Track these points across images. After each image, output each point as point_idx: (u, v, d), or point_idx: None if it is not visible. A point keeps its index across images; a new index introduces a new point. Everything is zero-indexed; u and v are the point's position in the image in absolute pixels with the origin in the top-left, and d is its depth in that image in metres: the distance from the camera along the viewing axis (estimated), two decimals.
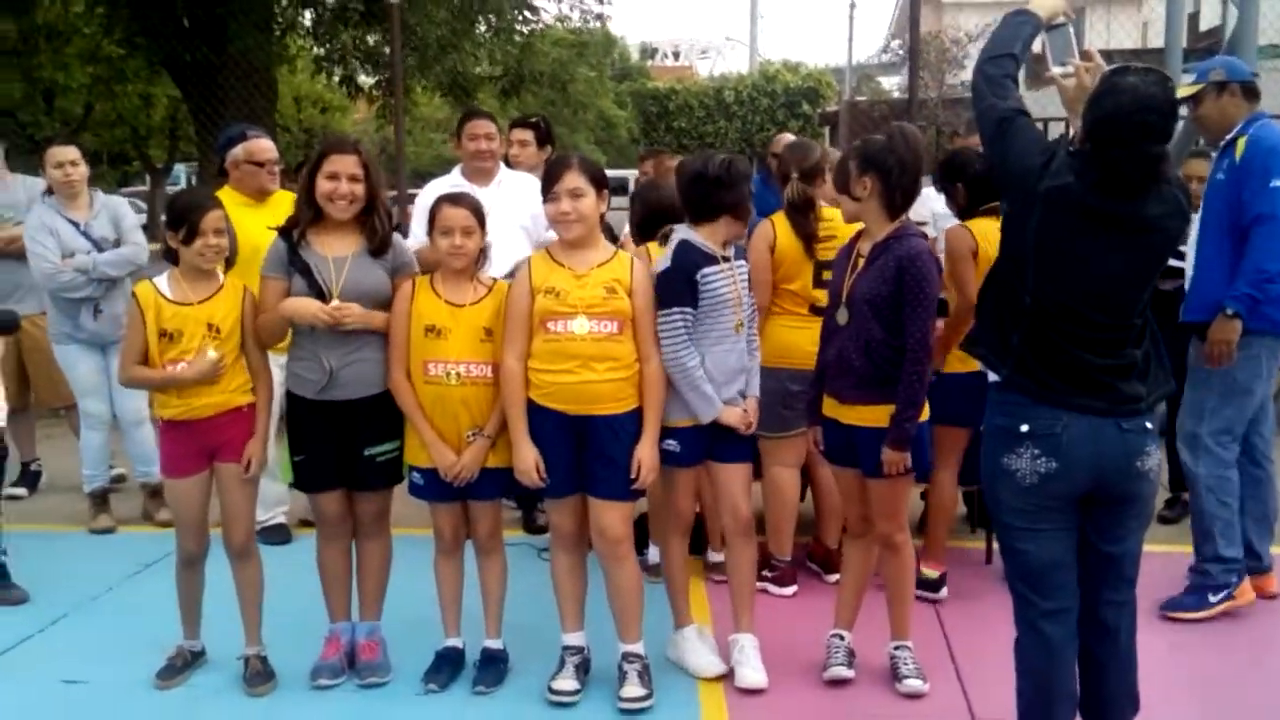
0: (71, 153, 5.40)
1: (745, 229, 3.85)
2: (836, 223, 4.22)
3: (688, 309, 3.57)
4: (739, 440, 3.75)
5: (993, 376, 2.99)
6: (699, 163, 3.73)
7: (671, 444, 3.70)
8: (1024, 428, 2.82)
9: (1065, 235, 2.75)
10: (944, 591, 4.55)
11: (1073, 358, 2.80)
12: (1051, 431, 2.80)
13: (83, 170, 5.42)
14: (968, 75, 20.26)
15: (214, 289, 3.70)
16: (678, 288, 3.58)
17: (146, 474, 5.60)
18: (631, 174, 23.16)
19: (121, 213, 5.60)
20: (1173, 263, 5.22)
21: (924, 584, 4.34)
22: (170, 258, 3.69)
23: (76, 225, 5.37)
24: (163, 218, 3.76)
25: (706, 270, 3.60)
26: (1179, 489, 5.69)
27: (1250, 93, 4.38)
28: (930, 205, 5.50)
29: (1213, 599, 4.39)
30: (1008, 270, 2.90)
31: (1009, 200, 2.94)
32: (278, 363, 4.00)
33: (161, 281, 3.68)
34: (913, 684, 3.71)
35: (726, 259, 3.68)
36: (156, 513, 5.58)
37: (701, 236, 3.66)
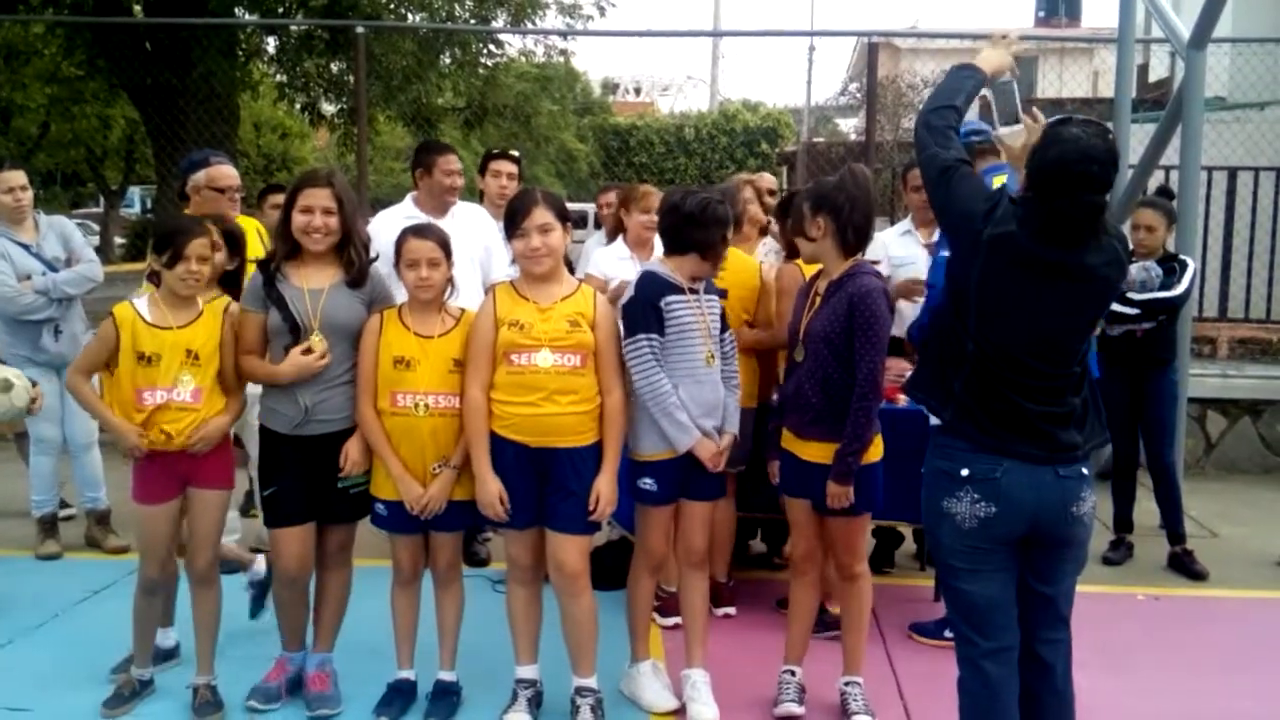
0: (20, 178, 5.39)
1: (714, 269, 3.85)
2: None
3: (653, 335, 3.60)
4: (709, 477, 3.78)
5: (934, 420, 3.04)
6: (678, 196, 3.78)
7: (648, 483, 3.72)
8: (964, 472, 2.88)
9: (1008, 282, 2.81)
10: None
11: (1013, 405, 2.85)
12: (990, 476, 2.86)
13: (30, 195, 5.41)
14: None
15: (194, 315, 3.69)
16: (643, 314, 3.62)
17: (94, 500, 5.53)
18: (591, 207, 23.31)
19: (68, 232, 5.59)
20: (1116, 308, 5.39)
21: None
22: (154, 279, 3.68)
23: (27, 248, 5.35)
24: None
25: (670, 298, 3.64)
26: (1123, 530, 5.79)
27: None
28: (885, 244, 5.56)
29: None
30: (950, 316, 2.95)
31: (952, 246, 3.01)
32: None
33: (141, 304, 3.67)
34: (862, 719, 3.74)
35: (694, 291, 3.72)
36: (104, 540, 5.51)
37: (669, 268, 3.71)
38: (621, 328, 3.68)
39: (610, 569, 4.71)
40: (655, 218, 4.81)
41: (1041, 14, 27.53)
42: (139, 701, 3.82)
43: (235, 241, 4.01)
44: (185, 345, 3.64)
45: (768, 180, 6.09)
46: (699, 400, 3.69)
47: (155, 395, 3.60)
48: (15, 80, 15.00)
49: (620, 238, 5.14)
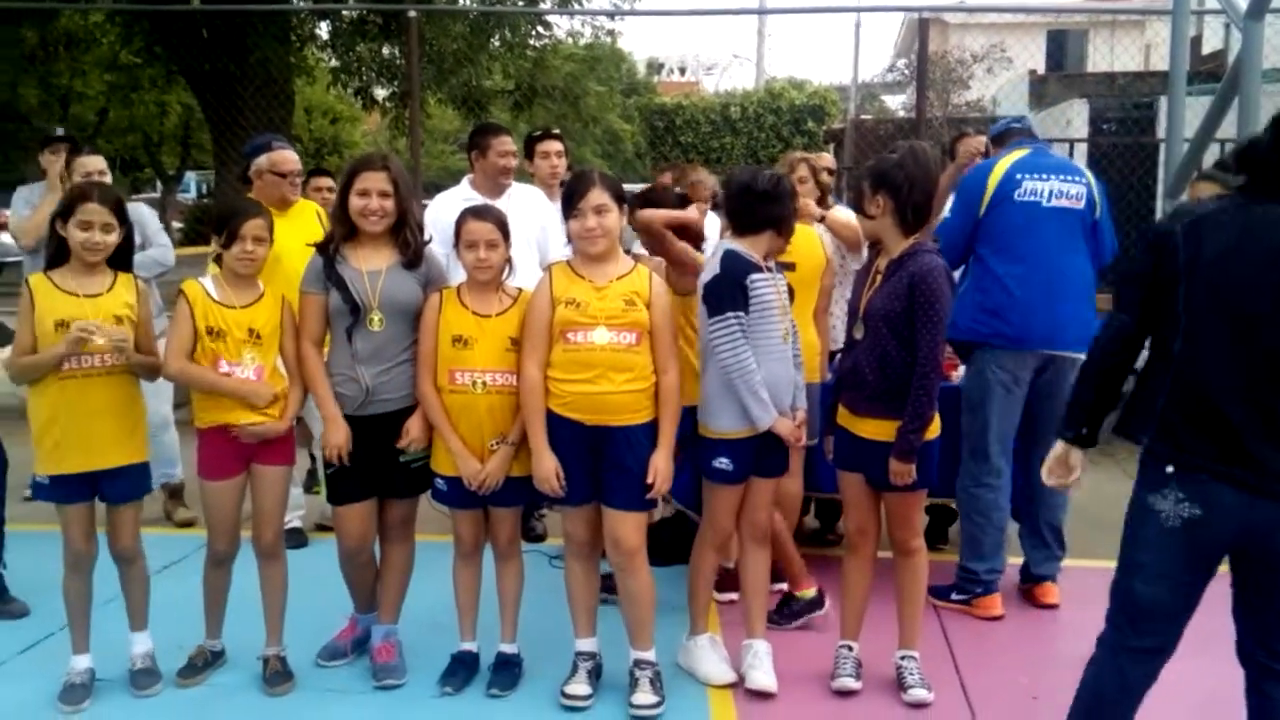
0: (100, 162, 5.53)
1: (786, 244, 3.91)
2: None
3: (740, 313, 3.63)
4: (776, 454, 3.82)
5: None
6: (747, 175, 3.81)
7: (724, 462, 3.75)
8: (1169, 469, 2.67)
9: (1220, 250, 2.59)
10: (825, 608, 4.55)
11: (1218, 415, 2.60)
12: (1198, 479, 2.64)
13: (109, 179, 5.51)
14: (972, 95, 20.25)
15: (256, 295, 3.79)
16: (730, 293, 3.64)
17: (169, 475, 5.69)
18: (639, 188, 23.19)
19: (144, 218, 5.68)
20: None
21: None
22: (218, 260, 3.80)
23: None
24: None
25: (754, 276, 3.67)
26: None
27: None
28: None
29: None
30: (1160, 335, 2.75)
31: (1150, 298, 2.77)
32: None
33: (207, 282, 3.78)
34: (918, 693, 3.78)
35: (770, 269, 3.76)
36: (175, 512, 5.67)
37: (744, 247, 3.74)
38: (704, 307, 3.71)
39: (667, 545, 4.78)
40: (704, 205, 4.88)
41: None
42: (211, 671, 3.95)
43: (124, 214, 3.83)
44: (248, 324, 3.74)
45: (826, 159, 6.08)
46: (776, 377, 3.72)
47: (229, 367, 3.71)
48: (75, 67, 15.29)
49: None
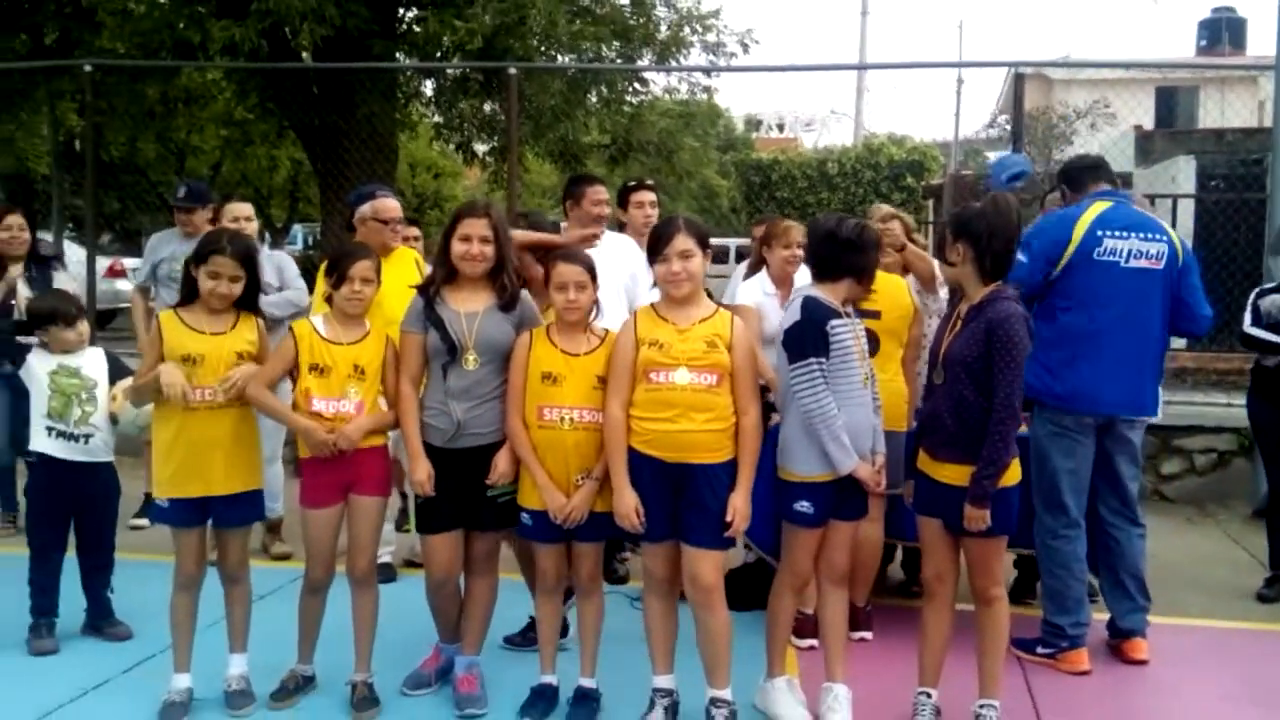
0: (247, 209, 5.92)
1: (866, 292, 3.98)
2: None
3: (821, 358, 3.70)
4: (856, 498, 3.85)
5: None
6: (832, 222, 3.88)
7: (804, 505, 3.79)
8: None
9: None
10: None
11: None
12: None
13: (254, 225, 5.92)
14: (1074, 150, 20.04)
15: (362, 334, 3.98)
16: (811, 338, 3.71)
17: (270, 510, 5.91)
18: (733, 242, 23.39)
19: (284, 264, 6.09)
20: (1272, 338, 5.26)
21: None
22: (328, 300, 4.02)
23: None
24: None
25: (835, 322, 3.74)
26: (1279, 568, 5.60)
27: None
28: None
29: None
30: None
31: None
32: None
33: (318, 321, 3.99)
34: None
35: (849, 314, 3.83)
36: (272, 546, 5.87)
37: (823, 293, 3.82)
38: (786, 353, 3.79)
39: (747, 590, 4.81)
40: (797, 252, 4.96)
41: (1203, 43, 26.60)
42: (302, 695, 4.09)
43: (253, 265, 4.06)
44: (353, 360, 3.93)
45: (908, 220, 6.10)
46: (856, 421, 3.76)
47: (325, 404, 3.89)
48: (193, 123, 16.02)
49: (764, 271, 5.27)
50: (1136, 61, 19.04)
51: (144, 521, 6.54)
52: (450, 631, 4.18)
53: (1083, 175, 4.84)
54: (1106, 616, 4.81)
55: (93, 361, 4.76)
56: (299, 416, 3.90)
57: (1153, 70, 22.52)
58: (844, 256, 3.79)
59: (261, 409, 3.99)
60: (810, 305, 3.77)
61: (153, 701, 3.99)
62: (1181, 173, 13.81)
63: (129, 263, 14.66)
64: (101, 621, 4.80)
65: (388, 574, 5.46)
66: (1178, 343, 6.79)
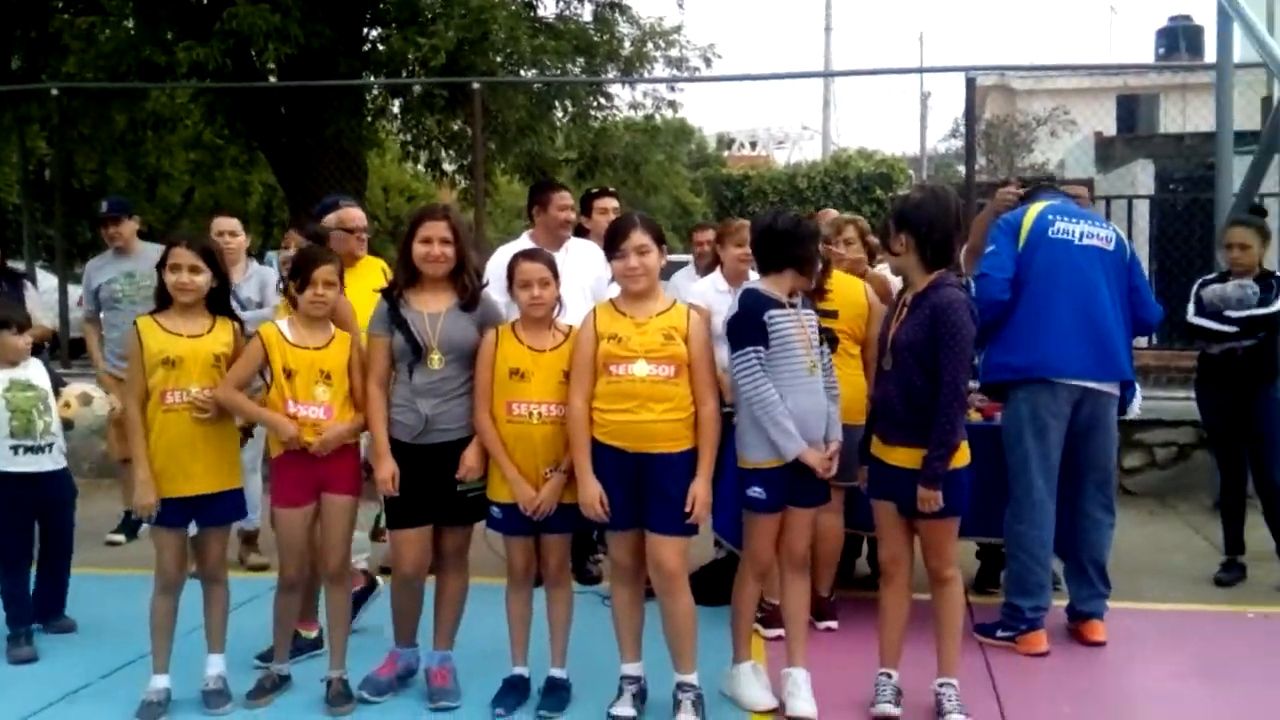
0: (233, 223, 6.06)
1: (810, 282, 4.10)
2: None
3: (759, 347, 3.82)
4: (813, 485, 3.95)
5: None
6: (769, 217, 4.03)
7: (757, 491, 3.91)
8: None
9: None
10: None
11: None
12: None
13: (241, 240, 6.07)
14: (1036, 158, 20.25)
15: (328, 338, 4.08)
16: (748, 329, 3.85)
17: (247, 520, 5.96)
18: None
19: (269, 280, 6.18)
20: (1215, 326, 5.43)
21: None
22: (294, 305, 4.11)
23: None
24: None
25: (772, 312, 3.86)
26: (1234, 551, 5.75)
27: None
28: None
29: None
30: None
31: None
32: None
33: (284, 325, 4.08)
34: (955, 719, 3.85)
35: (793, 305, 3.94)
36: (247, 558, 5.93)
37: (767, 285, 3.94)
38: (728, 344, 3.91)
39: (717, 586, 4.90)
40: (749, 250, 5.09)
41: (1162, 51, 27.01)
42: (278, 694, 4.16)
43: (213, 260, 4.13)
44: (319, 365, 4.02)
45: (863, 222, 6.26)
46: (805, 408, 3.87)
47: (295, 407, 3.98)
48: (161, 148, 16.01)
49: (718, 270, 5.41)
50: (1096, 65, 19.37)
51: (120, 537, 6.60)
52: (409, 635, 4.25)
53: (1035, 186, 5.14)
54: (1065, 601, 4.93)
55: (38, 372, 4.88)
56: (269, 411, 3.98)
57: (1114, 78, 22.88)
58: (783, 249, 3.92)
59: (232, 409, 4.05)
60: (746, 297, 3.91)
61: (130, 705, 4.04)
62: (1140, 177, 14.06)
63: None
64: (51, 617, 4.94)
65: (369, 582, 5.50)
66: (1139, 342, 6.96)
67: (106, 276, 6.48)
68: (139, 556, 6.22)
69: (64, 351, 9.09)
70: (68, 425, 4.88)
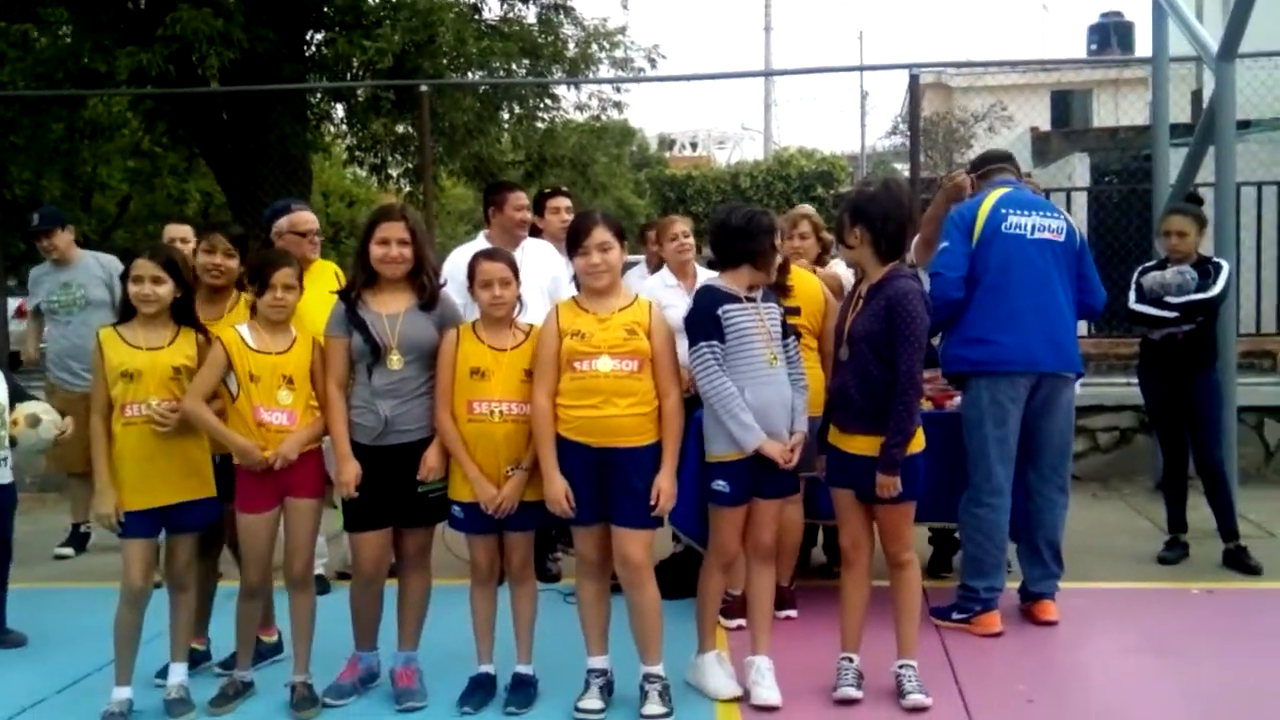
0: (184, 230, 6.02)
1: (768, 277, 4.14)
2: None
3: (714, 341, 3.87)
4: (778, 476, 4.00)
5: None
6: (723, 214, 4.08)
7: (721, 485, 3.96)
8: None
9: None
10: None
11: None
12: None
13: (192, 246, 5.93)
14: (972, 153, 20.61)
15: (289, 342, 4.06)
16: (703, 324, 3.90)
17: None
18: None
19: None
20: (1156, 312, 5.58)
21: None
22: (253, 309, 4.08)
23: None
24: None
25: (727, 307, 3.91)
26: (1177, 530, 5.91)
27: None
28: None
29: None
30: None
31: None
32: None
33: (244, 330, 4.04)
34: (915, 698, 3.93)
35: (751, 299, 3.99)
36: None
37: (725, 281, 3.99)
38: (686, 339, 3.95)
39: (676, 580, 4.95)
40: (685, 242, 5.23)
41: (1094, 46, 27.55)
42: (241, 700, 4.13)
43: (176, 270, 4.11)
44: (281, 370, 4.00)
45: (816, 216, 6.38)
46: (765, 400, 3.92)
47: (259, 414, 3.96)
48: (99, 156, 15.76)
49: (664, 267, 5.48)
50: (1035, 61, 19.71)
51: (69, 551, 6.53)
52: (369, 638, 4.24)
53: (990, 163, 5.18)
54: (1017, 584, 5.04)
55: None
56: (235, 435, 3.94)
57: (1049, 74, 23.31)
58: (737, 244, 3.97)
59: (198, 425, 3.98)
60: (701, 294, 3.97)
61: (91, 718, 3.99)
62: (1077, 170, 14.33)
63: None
64: None
65: (321, 586, 5.49)
66: (1080, 330, 7.12)
67: (45, 288, 6.51)
68: (88, 570, 6.19)
69: (2, 364, 8.94)
70: (11, 443, 4.86)
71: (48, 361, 6.66)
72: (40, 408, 4.96)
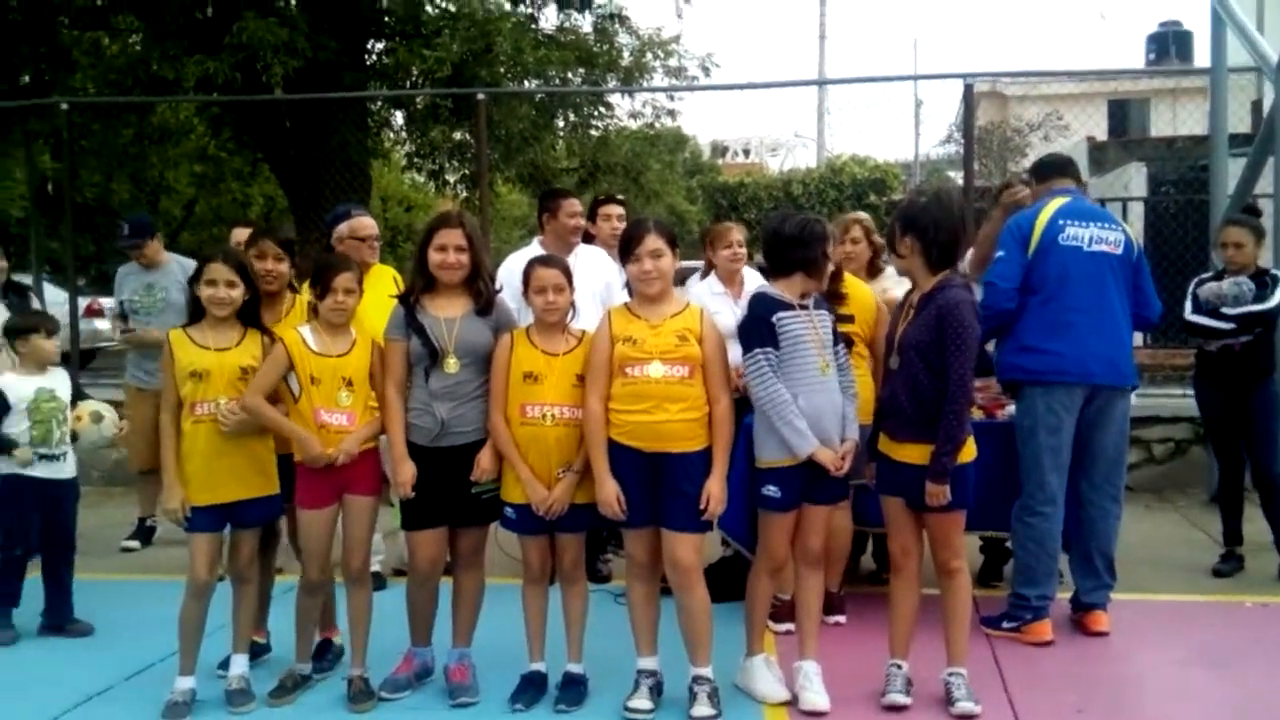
0: (247, 234, 6.10)
1: (821, 285, 4.18)
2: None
3: (768, 348, 3.92)
4: (828, 482, 4.04)
5: None
6: (777, 221, 4.11)
7: (772, 490, 4.01)
8: None
9: None
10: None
11: None
12: None
13: None
14: (1027, 162, 20.46)
15: (349, 344, 4.16)
16: (757, 331, 3.95)
17: None
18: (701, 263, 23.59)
19: None
20: (1212, 323, 5.53)
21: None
22: (314, 312, 4.20)
23: None
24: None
25: (781, 314, 3.95)
26: (1233, 543, 5.85)
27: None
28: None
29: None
30: None
31: None
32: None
33: (306, 332, 4.16)
34: (964, 706, 3.94)
35: (804, 307, 4.04)
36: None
37: (778, 289, 4.04)
38: (740, 346, 4.01)
39: (724, 584, 5.00)
40: (738, 251, 5.29)
41: (1152, 56, 27.21)
42: (300, 692, 4.25)
43: (246, 274, 4.23)
44: (341, 372, 4.11)
45: (868, 220, 6.39)
46: (818, 407, 3.96)
47: (320, 415, 4.07)
48: (166, 161, 16.14)
49: (713, 274, 5.54)
50: (1092, 71, 19.49)
51: (135, 544, 6.70)
52: (424, 634, 4.34)
53: (1050, 171, 5.16)
54: (1069, 593, 5.03)
55: (62, 383, 5.06)
56: (297, 426, 4.06)
57: (1106, 84, 23.07)
58: (790, 252, 4.01)
59: (258, 419, 4.09)
60: (755, 301, 4.01)
61: (155, 706, 4.12)
62: (1133, 180, 14.20)
63: (105, 302, 14.77)
64: (64, 621, 5.07)
65: (377, 582, 5.60)
66: (1135, 340, 7.08)
67: (129, 288, 6.70)
68: (154, 563, 6.36)
69: (74, 363, 9.20)
70: (73, 438, 5.05)
71: (127, 360, 6.87)
72: (102, 406, 5.17)
